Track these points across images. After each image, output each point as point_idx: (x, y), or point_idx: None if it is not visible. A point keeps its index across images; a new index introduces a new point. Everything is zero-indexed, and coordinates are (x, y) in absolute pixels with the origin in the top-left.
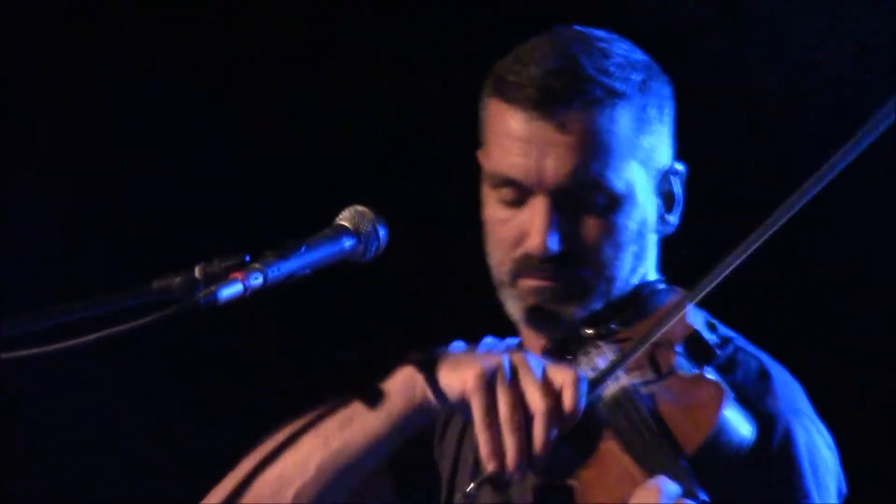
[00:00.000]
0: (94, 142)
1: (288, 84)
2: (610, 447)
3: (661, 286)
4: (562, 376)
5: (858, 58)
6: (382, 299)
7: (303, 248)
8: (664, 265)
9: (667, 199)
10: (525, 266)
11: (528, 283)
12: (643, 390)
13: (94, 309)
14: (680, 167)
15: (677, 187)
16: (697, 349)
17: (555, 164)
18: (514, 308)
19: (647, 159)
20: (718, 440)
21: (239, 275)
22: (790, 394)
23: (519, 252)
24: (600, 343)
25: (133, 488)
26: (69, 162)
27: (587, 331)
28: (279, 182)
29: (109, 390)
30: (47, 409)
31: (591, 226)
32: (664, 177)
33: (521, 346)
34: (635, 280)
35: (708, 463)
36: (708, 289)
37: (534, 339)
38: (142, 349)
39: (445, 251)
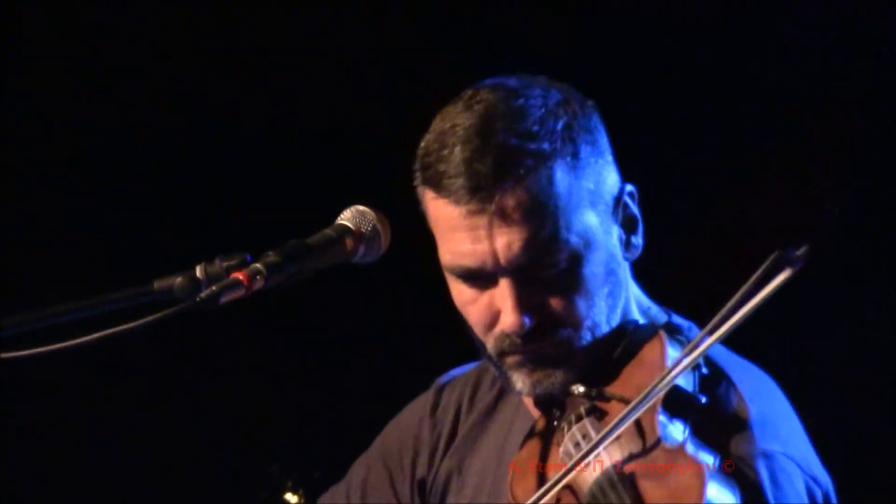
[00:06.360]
0: (95, 141)
1: (290, 84)
2: None
3: (640, 322)
4: None
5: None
6: (384, 300)
7: (304, 248)
8: (646, 283)
9: (626, 224)
10: (507, 344)
11: (514, 358)
12: (627, 468)
13: (94, 309)
14: (630, 188)
15: (633, 208)
16: (678, 405)
17: (506, 246)
18: (506, 381)
19: (595, 198)
20: None
21: (240, 274)
22: (767, 433)
23: (497, 331)
24: (582, 413)
25: (132, 488)
26: (70, 162)
27: (578, 389)
28: (280, 182)
29: (111, 389)
30: (47, 408)
31: (558, 288)
32: (617, 203)
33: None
34: (618, 315)
35: None
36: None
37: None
38: (143, 348)
39: None
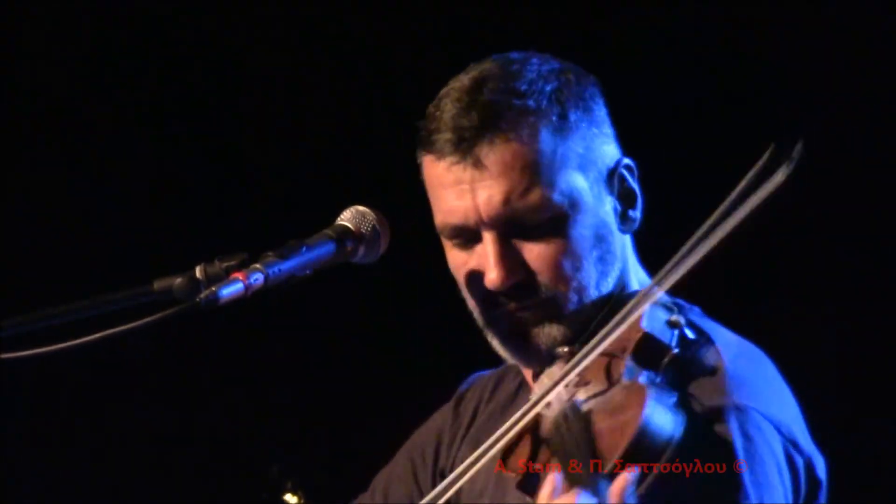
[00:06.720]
0: (95, 141)
1: (289, 85)
2: (552, 467)
3: (631, 290)
4: None
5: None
6: (384, 300)
7: (303, 249)
8: (645, 257)
9: (623, 196)
10: (493, 304)
11: (503, 321)
12: (586, 406)
13: (94, 309)
14: (628, 161)
15: (631, 182)
16: (647, 353)
17: (487, 200)
18: (498, 346)
19: (585, 163)
20: (641, 442)
21: (240, 275)
22: (743, 390)
23: (483, 292)
24: (559, 360)
25: (132, 488)
26: (70, 161)
27: (563, 349)
28: (280, 182)
29: (111, 389)
30: (47, 408)
31: (542, 246)
32: (613, 174)
33: (511, 370)
34: (610, 283)
35: (636, 463)
36: (645, 302)
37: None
38: (143, 348)
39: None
